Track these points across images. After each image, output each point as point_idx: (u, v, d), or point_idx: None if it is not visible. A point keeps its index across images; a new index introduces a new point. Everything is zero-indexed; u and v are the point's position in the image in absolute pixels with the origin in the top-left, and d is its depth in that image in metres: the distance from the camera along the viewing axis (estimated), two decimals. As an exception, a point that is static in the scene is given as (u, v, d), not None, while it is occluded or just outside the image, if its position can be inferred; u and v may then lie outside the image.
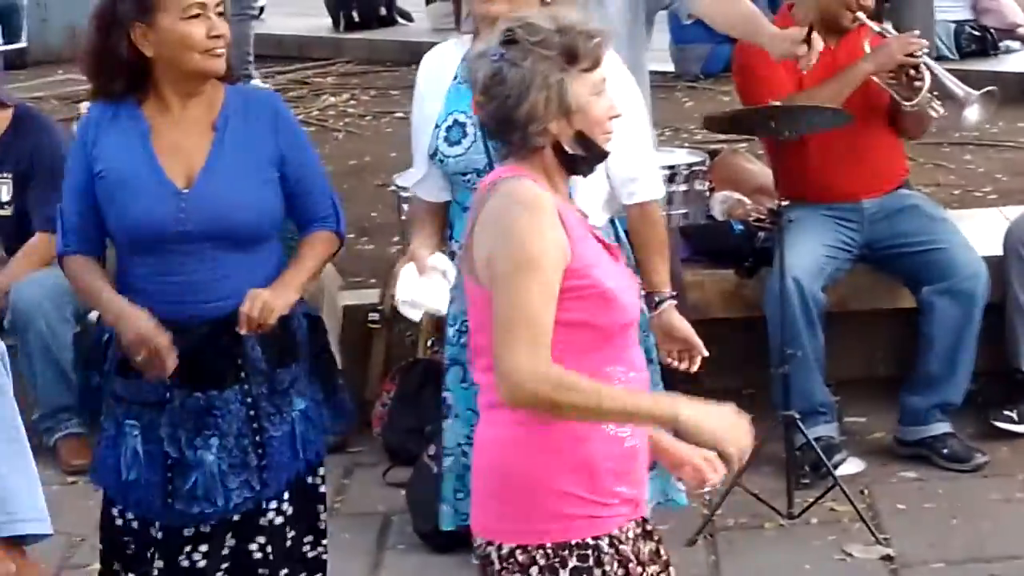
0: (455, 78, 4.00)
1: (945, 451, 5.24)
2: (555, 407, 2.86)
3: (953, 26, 9.97)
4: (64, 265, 3.79)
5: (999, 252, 5.46)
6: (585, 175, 3.08)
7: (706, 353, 3.85)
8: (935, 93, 5.23)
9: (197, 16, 3.59)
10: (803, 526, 4.85)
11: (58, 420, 5.58)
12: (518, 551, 2.93)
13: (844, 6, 5.25)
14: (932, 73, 5.19)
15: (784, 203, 5.12)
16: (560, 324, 2.89)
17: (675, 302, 3.90)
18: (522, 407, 2.88)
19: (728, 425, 2.95)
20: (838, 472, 5.04)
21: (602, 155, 3.03)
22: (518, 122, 2.92)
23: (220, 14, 3.62)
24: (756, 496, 4.86)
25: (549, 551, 2.92)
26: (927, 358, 5.26)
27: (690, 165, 4.86)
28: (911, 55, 5.17)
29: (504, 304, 2.87)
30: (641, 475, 3.02)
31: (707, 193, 5.05)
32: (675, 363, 3.89)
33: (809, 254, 5.21)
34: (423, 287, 3.92)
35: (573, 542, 2.93)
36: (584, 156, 2.99)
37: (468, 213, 3.09)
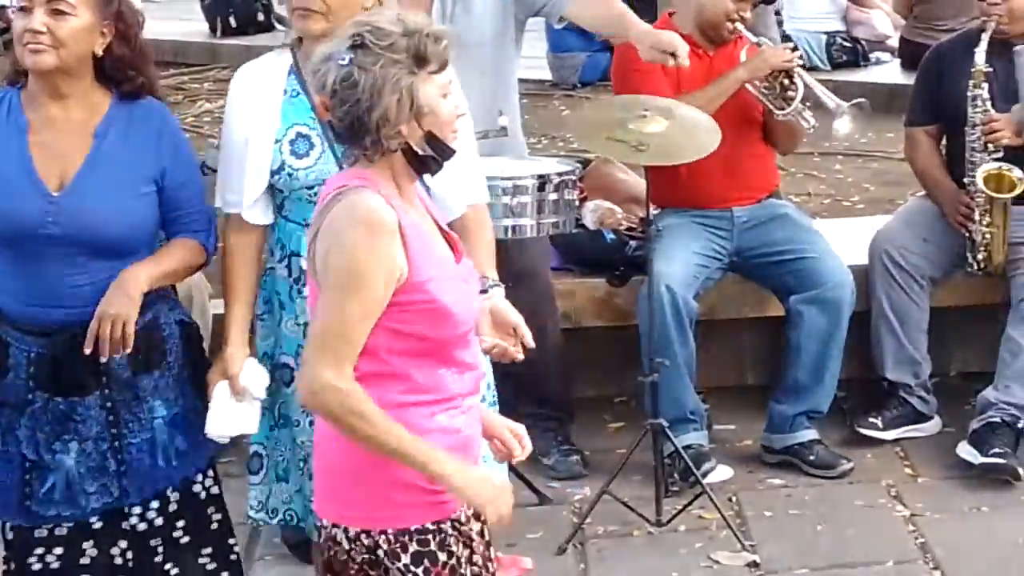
0: (286, 92, 3.95)
1: (811, 458, 5.29)
2: (339, 426, 2.99)
3: (824, 37, 10.12)
4: None
5: (867, 261, 5.54)
6: (434, 174, 3.14)
7: (532, 344, 3.83)
8: (807, 104, 5.29)
9: (22, 9, 3.55)
10: (671, 533, 4.88)
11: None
12: (363, 535, 3.05)
13: (724, 17, 5.29)
14: (805, 83, 5.24)
15: (655, 211, 5.16)
16: (394, 332, 2.99)
17: (502, 290, 3.89)
18: (314, 413, 3.01)
19: (490, 493, 3.06)
20: (707, 480, 5.07)
21: (450, 153, 3.08)
22: (370, 126, 2.96)
23: (57, 11, 3.53)
24: (625, 504, 4.88)
25: (391, 536, 3.03)
26: (794, 366, 5.31)
27: (560, 174, 4.86)
28: (785, 64, 5.22)
29: (323, 313, 2.98)
30: (475, 462, 3.15)
31: (577, 202, 5.05)
32: (500, 351, 3.83)
33: (680, 262, 5.24)
34: (234, 416, 3.84)
35: (413, 528, 3.05)
36: (434, 156, 3.05)
37: (312, 218, 3.09)
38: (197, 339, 3.87)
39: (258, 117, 3.93)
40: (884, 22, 10.38)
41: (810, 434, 5.33)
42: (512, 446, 3.28)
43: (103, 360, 3.60)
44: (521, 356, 3.75)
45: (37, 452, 3.64)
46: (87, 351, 3.58)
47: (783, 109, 5.23)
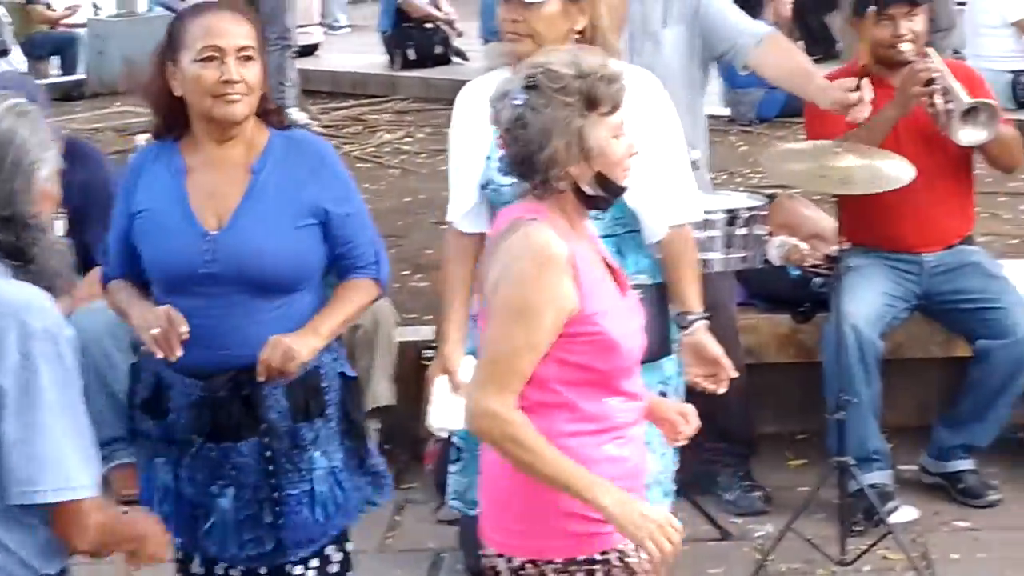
0: None
1: (961, 486, 5.34)
2: (501, 451, 3.03)
3: (1010, 76, 9.96)
4: (106, 292, 3.76)
5: (1055, 301, 5.45)
6: (604, 211, 3.21)
7: (735, 373, 3.84)
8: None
9: (210, 59, 3.51)
10: (855, 573, 4.83)
11: (112, 450, 5.59)
12: (528, 564, 3.08)
13: (888, 44, 5.22)
14: (952, 88, 5.07)
15: (842, 249, 5.12)
16: (562, 363, 3.03)
17: (707, 322, 3.89)
18: (476, 435, 3.06)
19: (649, 527, 3.00)
20: (891, 520, 5.02)
21: (620, 192, 3.13)
22: (539, 165, 3.02)
23: (247, 58, 3.53)
24: (809, 542, 4.84)
25: (559, 565, 3.06)
26: (966, 398, 5.31)
27: (751, 208, 4.86)
28: (923, 77, 5.11)
29: (492, 340, 3.03)
30: (640, 491, 3.16)
31: (765, 237, 5.03)
32: (703, 384, 3.87)
33: (867, 301, 5.20)
34: (455, 410, 3.84)
35: (580, 558, 3.07)
36: (603, 195, 3.09)
37: (487, 248, 3.15)
38: (356, 392, 3.83)
39: (474, 133, 4.00)
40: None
41: (964, 464, 5.36)
42: (680, 425, 3.30)
43: (260, 379, 3.53)
44: (723, 389, 3.76)
45: (196, 492, 3.64)
46: (260, 378, 3.53)
47: (952, 127, 5.09)
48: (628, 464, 3.11)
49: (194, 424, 3.61)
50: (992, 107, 5.09)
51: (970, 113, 5.03)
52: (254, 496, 3.61)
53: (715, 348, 3.81)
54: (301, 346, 3.53)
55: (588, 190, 3.06)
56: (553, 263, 2.99)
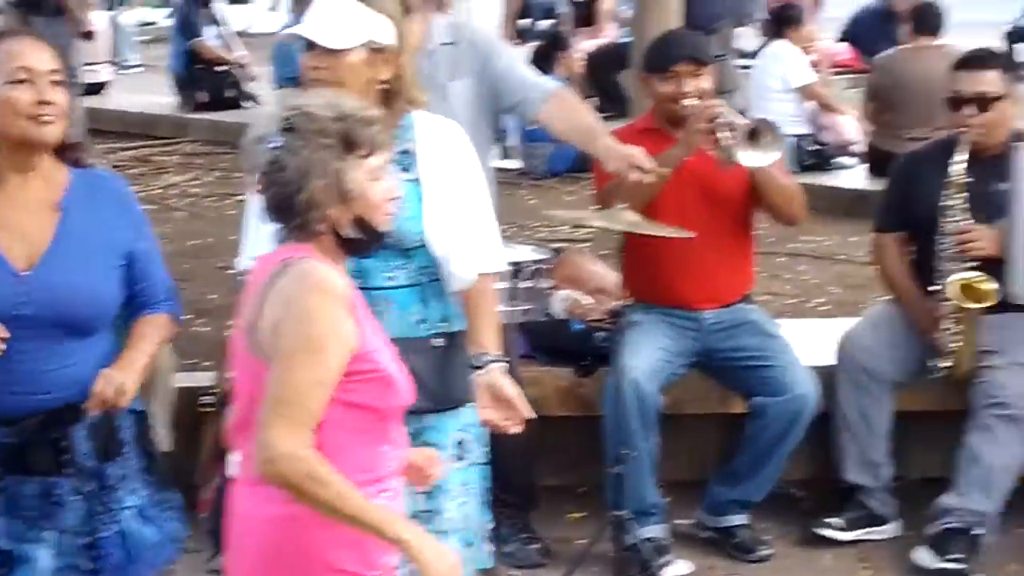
0: None
1: (735, 540, 5.42)
2: (299, 493, 2.94)
3: (792, 140, 10.21)
4: None
5: (830, 362, 5.57)
6: (364, 257, 3.22)
7: (532, 415, 3.87)
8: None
9: (22, 81, 3.48)
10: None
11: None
12: None
13: (671, 101, 5.32)
14: (733, 121, 5.12)
15: (625, 304, 5.19)
16: (342, 404, 2.99)
17: (504, 364, 3.91)
18: (270, 483, 2.96)
19: (445, 566, 3.01)
20: (666, 573, 5.08)
21: (380, 238, 3.13)
22: (298, 208, 3.01)
23: (56, 83, 3.51)
24: (584, 594, 4.88)
25: None
26: (741, 454, 5.39)
27: (536, 262, 4.90)
28: (709, 116, 5.14)
29: (279, 380, 2.96)
30: None
31: (549, 291, 5.08)
32: (499, 425, 3.88)
33: (647, 356, 5.27)
34: None
35: None
36: (362, 239, 3.09)
37: (250, 297, 3.10)
38: (147, 428, 3.81)
39: None
40: (852, 128, 10.51)
41: (738, 519, 5.45)
42: (425, 469, 3.28)
43: (90, 410, 3.51)
44: (519, 430, 3.77)
45: (13, 541, 3.54)
46: (92, 412, 3.51)
47: (736, 152, 5.16)
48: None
49: (4, 467, 3.53)
50: (774, 129, 5.21)
51: (753, 136, 5.13)
52: (72, 543, 3.55)
53: (511, 389, 3.83)
54: (130, 382, 3.53)
55: (347, 234, 3.05)
56: (337, 298, 2.97)
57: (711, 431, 5.81)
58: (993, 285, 5.20)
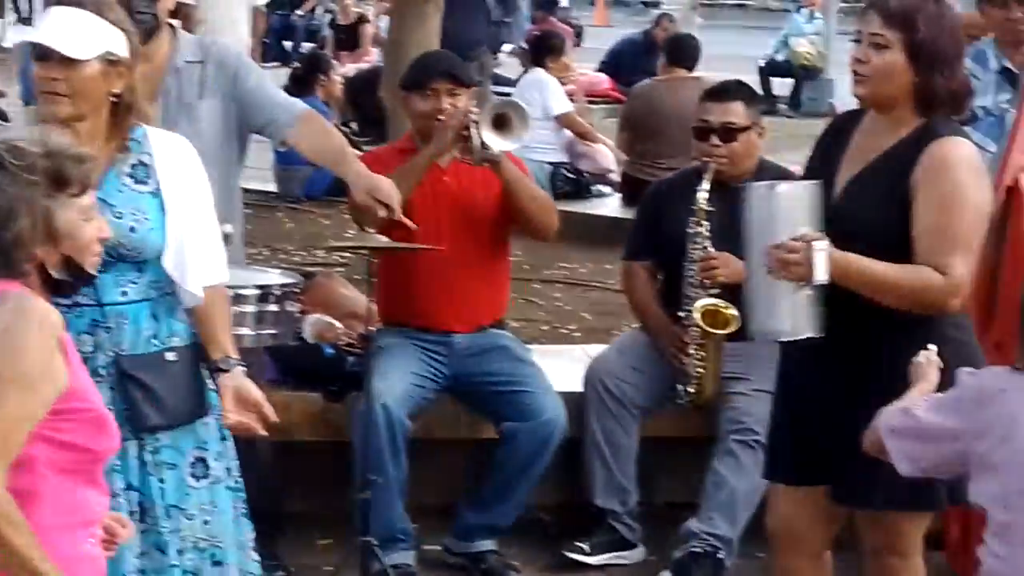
0: None
1: (483, 567, 5.40)
2: None
3: (549, 167, 10.31)
4: None
5: (581, 388, 5.61)
6: (69, 297, 3.11)
7: (275, 418, 3.82)
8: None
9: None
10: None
11: None
12: None
13: (429, 120, 5.34)
14: (477, 122, 5.20)
15: (376, 329, 5.16)
16: (54, 443, 2.87)
17: (243, 368, 3.87)
18: None
19: None
20: (410, 599, 5.07)
21: (89, 278, 3.05)
22: (4, 246, 2.86)
23: None
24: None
25: None
26: (490, 481, 5.40)
27: (284, 286, 4.83)
28: (463, 122, 5.21)
29: None
30: None
31: (298, 315, 5.02)
32: (245, 427, 3.83)
33: (398, 381, 5.25)
34: None
35: None
36: (69, 280, 3.00)
37: None
38: None
39: None
40: (607, 157, 10.66)
41: (487, 544, 5.44)
42: (117, 530, 3.14)
43: None
44: (265, 432, 3.72)
45: None
46: None
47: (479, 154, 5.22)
48: (100, 563, 3.00)
49: None
50: (519, 110, 5.27)
51: (499, 122, 5.19)
52: None
53: (256, 392, 3.78)
54: None
55: (54, 274, 2.96)
56: (51, 329, 2.86)
57: (461, 456, 5.80)
58: (735, 311, 5.30)
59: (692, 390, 5.47)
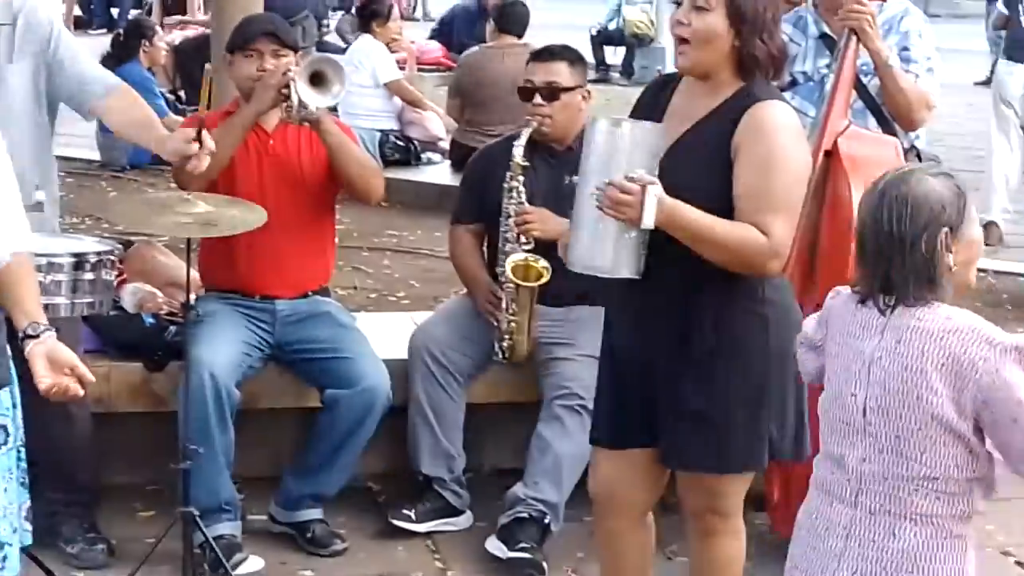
0: None
1: (309, 535, 5.37)
2: None
3: (378, 135, 10.26)
4: None
5: (407, 356, 5.59)
6: None
7: (92, 379, 3.74)
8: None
9: None
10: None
11: None
12: None
13: (257, 78, 5.29)
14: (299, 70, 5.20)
15: (198, 296, 5.09)
16: None
17: (54, 333, 3.77)
18: None
19: None
20: (239, 571, 5.01)
21: None
22: None
23: None
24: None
25: None
26: (314, 450, 5.35)
27: (99, 253, 4.73)
28: (284, 80, 5.18)
29: None
30: None
31: (115, 283, 4.92)
32: (63, 388, 3.73)
33: (223, 350, 5.18)
34: None
35: None
36: None
37: None
38: None
39: None
40: (437, 124, 10.62)
41: (313, 514, 5.40)
42: None
43: None
44: (82, 392, 3.63)
45: None
46: None
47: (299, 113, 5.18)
48: None
49: None
50: (335, 66, 5.25)
51: (316, 79, 5.17)
52: None
53: (69, 353, 3.69)
54: None
55: None
56: None
57: (287, 426, 5.75)
58: (546, 264, 5.32)
59: (506, 345, 5.47)
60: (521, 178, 5.44)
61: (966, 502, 3.21)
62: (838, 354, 3.31)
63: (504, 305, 5.45)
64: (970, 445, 3.18)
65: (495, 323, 5.49)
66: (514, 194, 5.45)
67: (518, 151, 5.45)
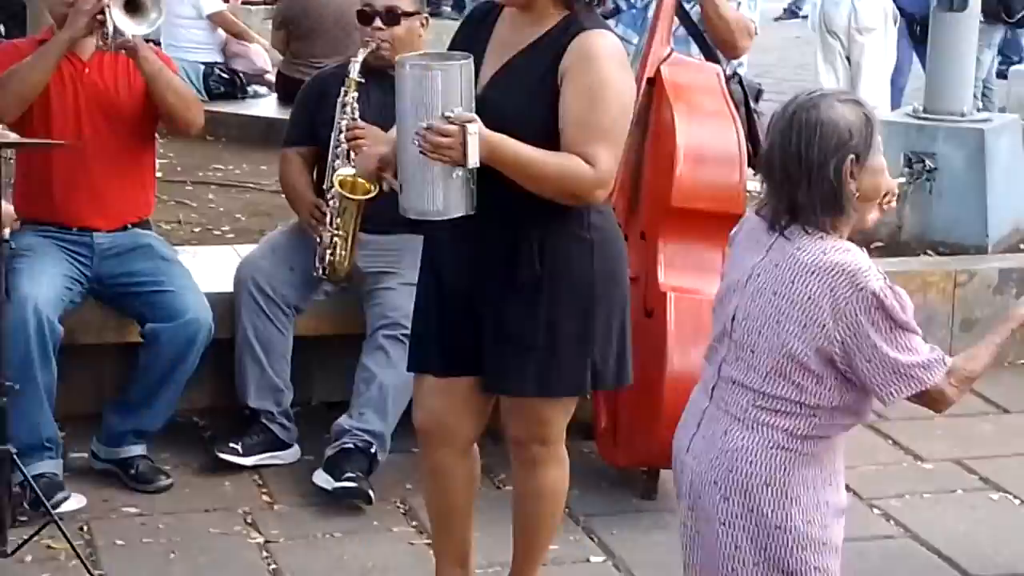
0: None
1: (132, 472, 5.30)
2: None
3: (202, 67, 10.11)
4: None
5: (232, 289, 5.52)
6: None
7: None
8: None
9: None
10: (18, 564, 4.66)
11: None
12: None
13: (67, 3, 5.16)
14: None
15: (13, 231, 4.97)
16: None
17: None
18: None
19: None
20: (60, 509, 4.92)
21: None
22: None
23: None
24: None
25: None
26: (137, 385, 5.28)
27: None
28: (97, 5, 5.07)
29: None
30: None
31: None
32: None
33: (44, 283, 5.08)
34: None
35: None
36: None
37: None
38: None
39: None
40: (262, 56, 10.49)
41: (137, 450, 5.33)
42: None
43: None
44: None
45: None
46: None
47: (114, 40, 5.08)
48: None
49: None
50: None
51: (131, 6, 5.09)
52: None
53: None
54: None
55: None
56: None
57: (108, 361, 5.65)
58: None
59: (327, 261, 5.43)
60: (355, 94, 5.40)
61: (807, 425, 3.30)
62: (733, 261, 3.46)
63: (328, 220, 5.40)
64: (816, 376, 3.27)
65: (318, 239, 5.43)
66: (347, 110, 5.41)
67: (354, 69, 5.41)
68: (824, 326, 3.22)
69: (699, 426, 3.43)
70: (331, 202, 5.41)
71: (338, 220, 5.40)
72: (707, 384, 3.45)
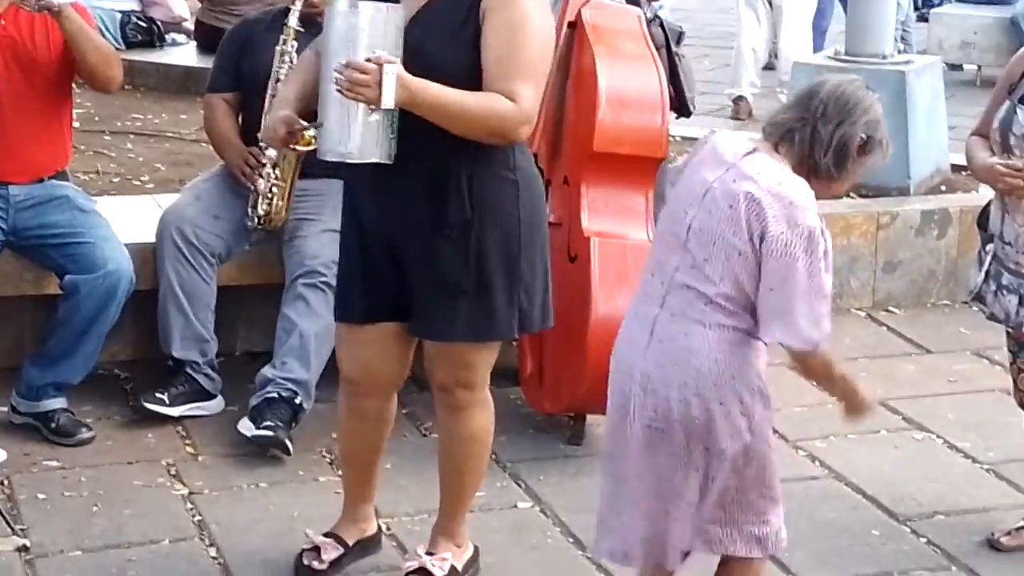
0: None
1: (53, 425, 5.24)
2: None
3: (119, 16, 9.96)
4: None
5: (153, 239, 5.46)
6: None
7: None
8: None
9: None
10: (-63, 520, 4.63)
11: None
12: None
13: None
14: None
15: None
16: None
17: None
18: None
19: None
20: (-22, 465, 4.88)
21: None
22: None
23: None
24: None
25: None
26: (55, 337, 5.21)
27: None
28: None
29: None
30: None
31: None
32: None
33: (-41, 238, 5.01)
34: None
35: None
36: None
37: None
38: None
39: None
40: (180, 4, 10.35)
41: (57, 403, 5.27)
42: None
43: None
44: None
45: None
46: None
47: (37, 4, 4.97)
48: None
49: None
50: None
51: None
52: None
53: None
54: None
55: None
56: None
57: (27, 314, 5.58)
58: (314, 132, 5.23)
59: (262, 211, 5.37)
60: (295, 44, 5.33)
61: (751, 323, 3.62)
62: (688, 176, 3.70)
63: (267, 169, 5.35)
64: (758, 280, 3.60)
65: (252, 187, 5.38)
66: (286, 58, 5.34)
67: (293, 18, 5.36)
68: (762, 243, 3.55)
69: (652, 334, 3.66)
70: (268, 151, 5.34)
71: (277, 170, 5.34)
72: (654, 296, 3.68)
